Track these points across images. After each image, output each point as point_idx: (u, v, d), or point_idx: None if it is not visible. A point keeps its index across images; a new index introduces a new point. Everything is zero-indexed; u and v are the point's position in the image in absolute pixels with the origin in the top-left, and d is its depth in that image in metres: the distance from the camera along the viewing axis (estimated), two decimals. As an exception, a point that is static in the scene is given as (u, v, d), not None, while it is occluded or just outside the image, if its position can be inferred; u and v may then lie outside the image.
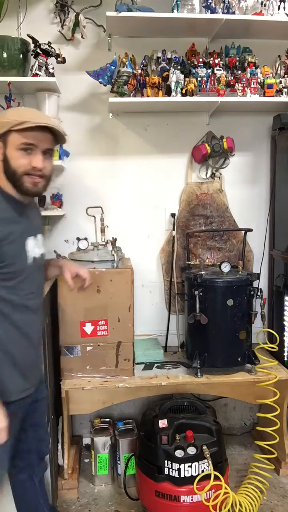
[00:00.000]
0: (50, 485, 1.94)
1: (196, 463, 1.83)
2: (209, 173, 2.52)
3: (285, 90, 2.27)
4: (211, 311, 2.13)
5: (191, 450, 1.85)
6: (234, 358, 2.18)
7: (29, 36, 2.11)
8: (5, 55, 2.09)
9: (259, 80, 2.26)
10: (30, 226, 1.44)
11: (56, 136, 1.40)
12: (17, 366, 1.40)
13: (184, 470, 1.83)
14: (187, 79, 2.21)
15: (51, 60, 2.17)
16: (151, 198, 2.51)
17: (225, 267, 2.18)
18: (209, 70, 2.25)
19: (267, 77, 2.26)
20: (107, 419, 2.41)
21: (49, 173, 1.40)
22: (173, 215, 2.51)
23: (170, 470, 1.85)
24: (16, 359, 1.39)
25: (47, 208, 2.32)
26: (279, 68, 2.36)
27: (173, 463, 1.84)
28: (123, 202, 2.49)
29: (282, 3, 2.21)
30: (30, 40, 2.13)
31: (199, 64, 2.25)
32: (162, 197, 2.51)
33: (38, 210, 1.62)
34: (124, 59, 2.19)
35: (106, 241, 2.30)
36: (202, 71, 2.23)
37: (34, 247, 1.43)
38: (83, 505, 2.11)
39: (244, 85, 2.24)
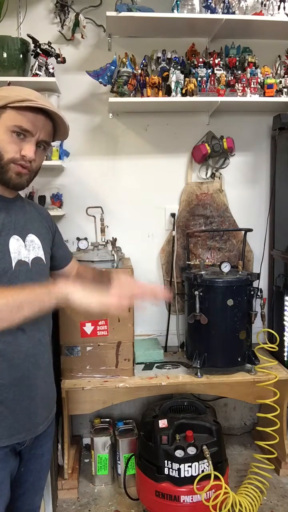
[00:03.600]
0: (50, 485, 1.94)
1: (196, 463, 1.83)
2: (209, 173, 2.52)
3: (285, 90, 2.27)
4: (211, 311, 2.13)
5: (191, 450, 1.85)
6: (234, 358, 2.18)
7: (29, 36, 2.11)
8: (5, 55, 2.09)
9: (259, 80, 2.26)
10: (16, 224, 1.19)
11: (56, 131, 1.22)
12: (21, 396, 1.15)
13: (184, 470, 1.83)
14: (187, 79, 2.21)
15: (51, 60, 2.17)
16: (151, 198, 2.51)
17: (225, 267, 2.18)
18: (209, 70, 2.25)
19: (267, 77, 2.26)
20: (107, 419, 2.41)
21: (36, 168, 1.19)
22: (173, 215, 2.51)
23: (170, 470, 1.85)
24: (14, 388, 1.14)
25: (47, 208, 2.32)
26: (279, 68, 2.36)
27: (173, 463, 1.84)
28: (123, 202, 2.49)
29: (282, 3, 2.21)
30: (30, 40, 2.13)
31: (199, 64, 2.25)
32: (162, 197, 2.51)
33: (39, 209, 1.38)
34: (124, 59, 2.19)
35: (106, 241, 2.30)
36: (202, 71, 2.23)
37: (19, 249, 1.18)
38: (83, 505, 2.11)
39: (244, 85, 2.24)
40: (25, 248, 1.21)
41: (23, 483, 1.29)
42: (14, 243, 1.17)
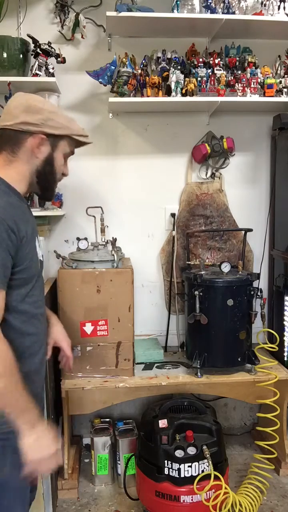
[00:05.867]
0: (50, 485, 1.94)
1: (196, 463, 1.83)
2: (209, 173, 2.52)
3: (285, 90, 2.27)
4: (211, 311, 2.13)
5: (191, 450, 1.85)
6: (234, 358, 2.18)
7: (29, 36, 2.11)
8: (5, 55, 2.09)
9: (259, 80, 2.26)
10: (34, 226, 1.31)
11: None
12: (34, 385, 1.24)
13: (184, 470, 1.83)
14: (187, 79, 2.21)
15: (51, 60, 2.16)
16: (151, 198, 2.51)
17: (225, 267, 2.18)
18: (209, 70, 2.25)
19: (267, 77, 2.26)
20: (107, 419, 2.41)
21: None
22: (173, 215, 2.51)
23: (170, 470, 1.85)
24: (33, 377, 1.23)
25: (47, 208, 2.32)
26: (279, 68, 2.36)
27: (173, 463, 1.84)
28: (123, 202, 2.49)
29: (282, 3, 2.21)
30: (30, 40, 2.13)
31: (199, 64, 2.25)
32: (162, 197, 2.51)
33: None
34: (124, 59, 2.19)
35: (106, 241, 2.30)
36: (202, 71, 2.23)
37: (38, 249, 1.31)
38: (83, 505, 2.11)
39: (244, 85, 2.24)
40: (39, 248, 1.33)
41: None
42: (36, 243, 1.30)
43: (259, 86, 2.27)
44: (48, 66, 2.13)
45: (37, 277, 1.27)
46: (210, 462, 1.81)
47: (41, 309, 1.31)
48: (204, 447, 1.84)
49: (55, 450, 1.12)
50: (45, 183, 1.29)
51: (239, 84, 2.25)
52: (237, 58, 2.31)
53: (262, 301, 2.22)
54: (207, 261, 2.49)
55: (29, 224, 1.22)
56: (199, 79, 2.22)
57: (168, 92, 2.23)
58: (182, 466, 1.83)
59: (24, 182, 1.24)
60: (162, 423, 1.92)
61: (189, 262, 2.42)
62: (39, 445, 1.10)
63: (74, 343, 2.08)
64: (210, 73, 2.25)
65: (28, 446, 1.09)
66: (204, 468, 1.84)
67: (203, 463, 1.84)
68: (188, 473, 1.83)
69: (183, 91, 2.21)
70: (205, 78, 2.23)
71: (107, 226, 2.38)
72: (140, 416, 2.31)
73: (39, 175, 1.25)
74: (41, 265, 1.32)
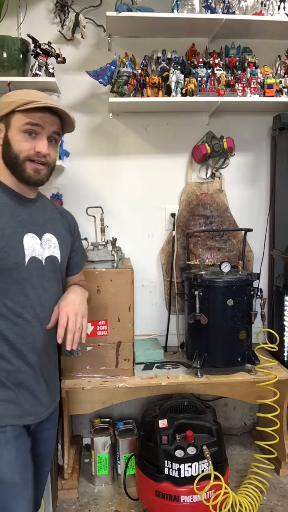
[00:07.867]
0: (50, 485, 1.94)
1: (196, 463, 1.83)
2: (209, 173, 2.52)
3: (285, 90, 2.27)
4: (211, 311, 2.13)
5: (191, 450, 1.85)
6: (234, 358, 2.18)
7: (29, 36, 2.11)
8: (5, 55, 2.09)
9: (259, 80, 2.26)
10: (33, 222, 1.27)
11: (63, 124, 1.30)
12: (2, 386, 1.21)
13: (184, 470, 1.83)
14: (187, 79, 2.21)
15: (51, 60, 2.16)
16: (151, 198, 2.51)
17: (225, 267, 2.18)
18: (209, 70, 2.25)
19: (267, 77, 2.26)
20: (107, 419, 2.41)
21: (53, 161, 1.27)
22: (173, 215, 2.51)
23: (170, 470, 1.85)
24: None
25: (47, 208, 2.32)
26: (279, 68, 2.36)
27: (173, 463, 1.84)
28: (123, 202, 2.49)
29: (282, 3, 2.21)
30: (30, 40, 2.13)
31: (199, 64, 2.25)
32: (162, 197, 2.51)
33: (63, 213, 1.45)
34: (124, 59, 2.19)
35: (106, 241, 2.30)
36: (202, 71, 2.23)
37: (34, 246, 1.25)
38: (83, 505, 2.11)
39: (244, 85, 2.24)
40: (41, 246, 1.28)
41: None
42: (29, 240, 1.24)
43: (259, 86, 2.26)
44: (48, 66, 2.13)
45: (25, 275, 1.21)
46: (210, 462, 1.81)
47: (34, 311, 1.24)
48: (204, 447, 1.84)
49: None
50: (11, 165, 1.22)
51: (239, 84, 2.24)
52: (237, 58, 2.31)
53: (262, 301, 2.22)
54: (207, 261, 2.49)
55: (12, 216, 1.22)
56: (199, 79, 2.22)
57: (168, 92, 2.23)
58: (182, 466, 1.83)
59: (3, 172, 1.25)
60: (162, 423, 1.92)
61: (189, 262, 2.42)
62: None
63: (74, 343, 2.08)
64: (210, 73, 2.25)
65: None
66: (204, 468, 1.84)
67: (203, 463, 1.84)
68: (188, 473, 1.83)
69: (183, 91, 2.21)
70: (205, 78, 2.23)
71: (107, 226, 2.38)
72: (140, 416, 2.31)
73: (4, 159, 1.23)
74: (37, 264, 1.25)
